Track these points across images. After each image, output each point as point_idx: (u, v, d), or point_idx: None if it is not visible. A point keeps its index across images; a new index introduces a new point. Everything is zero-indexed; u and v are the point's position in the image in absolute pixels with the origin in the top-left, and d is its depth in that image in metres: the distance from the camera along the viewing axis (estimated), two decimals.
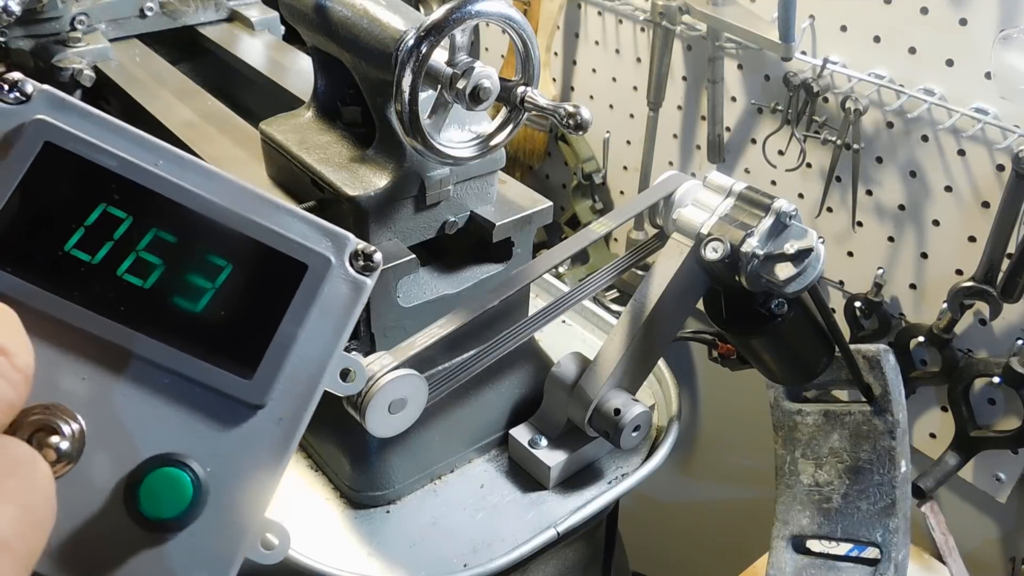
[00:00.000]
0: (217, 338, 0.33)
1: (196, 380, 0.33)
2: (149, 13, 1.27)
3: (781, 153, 1.38)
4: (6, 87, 0.33)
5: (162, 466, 0.32)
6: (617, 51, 1.58)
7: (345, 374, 0.36)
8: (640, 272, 1.24)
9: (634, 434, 0.82)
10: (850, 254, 1.36)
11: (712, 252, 0.75)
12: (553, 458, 0.85)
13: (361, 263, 0.36)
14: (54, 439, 0.30)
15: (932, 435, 1.34)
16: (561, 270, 1.55)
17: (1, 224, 0.31)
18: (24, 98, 0.33)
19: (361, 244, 0.36)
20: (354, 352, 0.37)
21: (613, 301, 1.53)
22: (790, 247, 0.74)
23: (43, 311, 0.32)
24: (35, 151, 0.32)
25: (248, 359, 0.33)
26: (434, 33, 0.68)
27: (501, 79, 0.73)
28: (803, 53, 1.29)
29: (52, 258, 0.32)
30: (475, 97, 0.71)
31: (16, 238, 0.32)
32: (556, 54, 1.69)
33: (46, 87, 0.34)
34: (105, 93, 1.22)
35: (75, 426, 0.31)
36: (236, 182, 0.35)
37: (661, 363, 0.96)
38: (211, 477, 0.33)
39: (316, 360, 0.35)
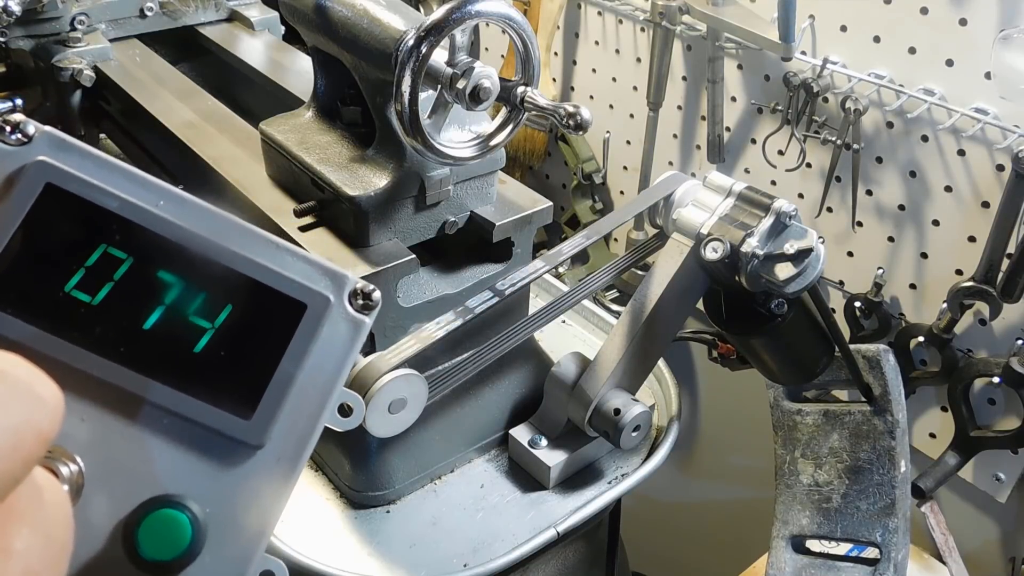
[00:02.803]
0: (216, 378, 0.33)
1: (195, 420, 0.33)
2: (149, 13, 1.27)
3: (781, 153, 1.38)
4: (8, 128, 0.33)
5: (161, 507, 0.32)
6: (617, 51, 1.58)
7: (343, 409, 0.36)
8: (640, 272, 1.24)
9: (634, 434, 0.82)
10: (850, 254, 1.36)
11: (712, 252, 0.75)
12: (553, 458, 0.85)
13: (360, 302, 0.36)
14: (56, 482, 0.30)
15: (932, 435, 1.34)
16: (561, 270, 1.55)
17: (2, 265, 0.32)
18: (26, 139, 0.33)
19: (360, 283, 0.36)
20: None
21: (613, 301, 1.53)
22: (790, 247, 0.74)
23: (43, 353, 0.32)
24: (36, 192, 0.32)
25: (247, 399, 0.33)
26: (434, 33, 0.68)
27: (501, 79, 0.73)
28: (803, 53, 1.29)
29: (52, 299, 0.32)
30: (475, 97, 0.71)
31: (17, 279, 0.32)
32: (556, 54, 1.69)
33: (47, 128, 0.34)
34: (105, 93, 1.21)
35: (74, 468, 0.31)
36: (236, 222, 0.35)
37: (661, 363, 0.96)
38: (210, 518, 0.33)
39: (315, 399, 0.35)
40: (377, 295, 0.36)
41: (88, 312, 0.32)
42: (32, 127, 0.33)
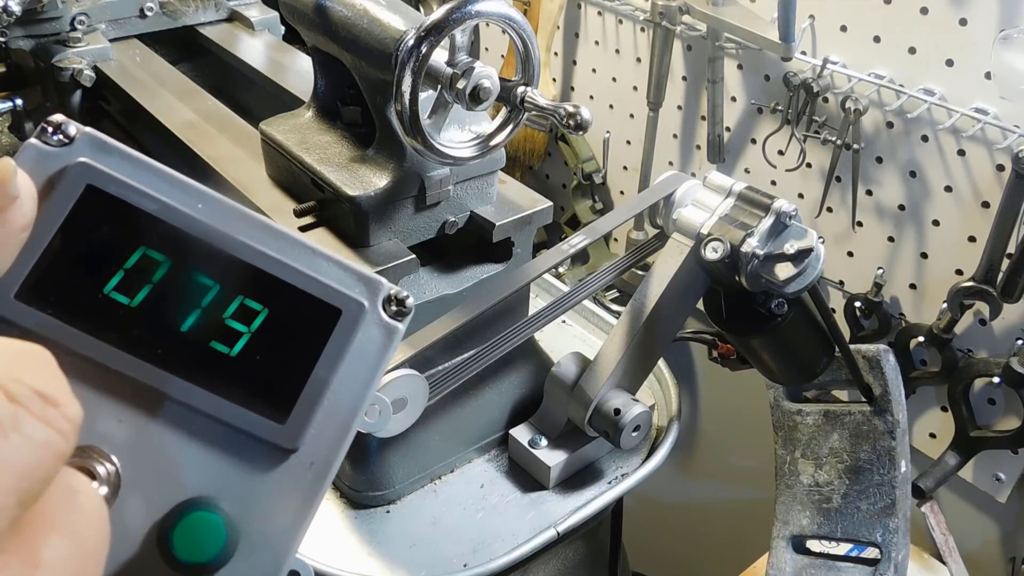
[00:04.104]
0: (251, 382, 0.34)
1: (230, 424, 0.33)
2: (149, 13, 1.27)
3: (781, 153, 1.38)
4: (50, 130, 0.33)
5: (196, 510, 0.32)
6: (617, 51, 1.58)
7: (370, 409, 0.36)
8: (640, 272, 1.24)
9: (634, 434, 0.82)
10: (850, 254, 1.36)
11: (712, 252, 0.75)
12: (553, 458, 0.85)
13: (394, 308, 0.36)
14: (92, 483, 0.30)
15: (932, 435, 1.34)
16: (561, 270, 1.55)
17: (42, 266, 0.32)
18: (67, 140, 0.33)
19: (394, 289, 0.36)
20: None
21: (613, 301, 1.53)
22: (790, 247, 0.74)
23: (82, 353, 0.32)
24: (77, 194, 0.33)
25: (281, 403, 0.34)
26: (434, 33, 0.68)
27: (501, 79, 0.73)
28: (803, 53, 1.29)
29: (92, 300, 0.32)
30: (475, 97, 0.71)
31: (57, 280, 0.32)
32: (556, 54, 1.69)
33: (88, 129, 0.34)
34: (105, 93, 1.22)
35: (111, 468, 0.31)
36: (273, 226, 0.35)
37: (661, 363, 0.96)
38: (243, 521, 0.33)
39: (348, 404, 0.35)
40: (411, 301, 0.36)
41: (126, 314, 0.33)
42: (74, 128, 0.34)
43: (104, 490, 0.31)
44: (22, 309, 0.31)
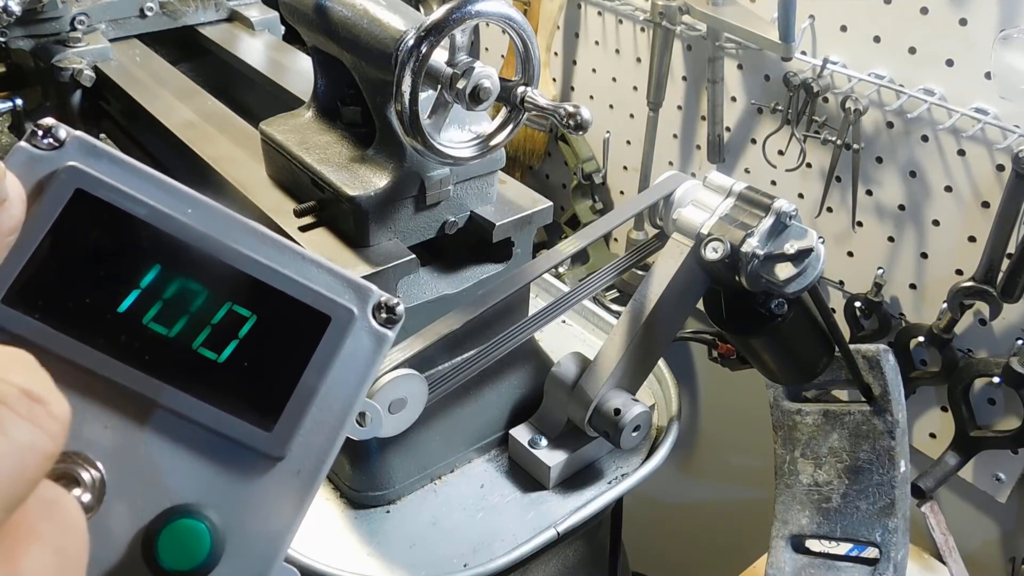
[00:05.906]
0: (238, 389, 0.33)
1: (216, 431, 0.33)
2: (149, 13, 1.27)
3: (781, 153, 1.38)
4: (40, 133, 0.33)
5: (181, 517, 0.32)
6: (617, 51, 1.58)
7: (360, 416, 0.36)
8: (640, 272, 1.24)
9: (634, 434, 0.82)
10: (850, 254, 1.36)
11: (712, 252, 0.75)
12: (553, 458, 0.85)
13: (384, 315, 0.36)
14: (76, 490, 0.30)
15: (932, 435, 1.34)
16: (561, 270, 1.55)
17: (30, 270, 0.32)
18: (57, 144, 0.33)
19: (384, 296, 0.36)
20: None
21: (613, 301, 1.53)
22: (790, 247, 0.74)
23: (68, 358, 0.32)
24: (66, 198, 0.32)
25: (269, 411, 0.33)
26: (434, 33, 0.68)
27: (501, 79, 0.73)
28: (803, 53, 1.29)
29: (78, 305, 0.32)
30: (475, 97, 0.71)
31: (44, 284, 0.32)
32: (556, 54, 1.69)
33: (79, 133, 0.34)
34: (105, 93, 1.21)
35: (95, 475, 0.31)
36: (263, 231, 0.35)
37: (661, 363, 0.96)
38: (228, 528, 0.33)
39: (336, 412, 0.35)
40: (401, 309, 0.36)
41: (114, 319, 0.32)
42: (64, 132, 0.33)
43: (88, 497, 0.31)
44: (9, 313, 0.31)
